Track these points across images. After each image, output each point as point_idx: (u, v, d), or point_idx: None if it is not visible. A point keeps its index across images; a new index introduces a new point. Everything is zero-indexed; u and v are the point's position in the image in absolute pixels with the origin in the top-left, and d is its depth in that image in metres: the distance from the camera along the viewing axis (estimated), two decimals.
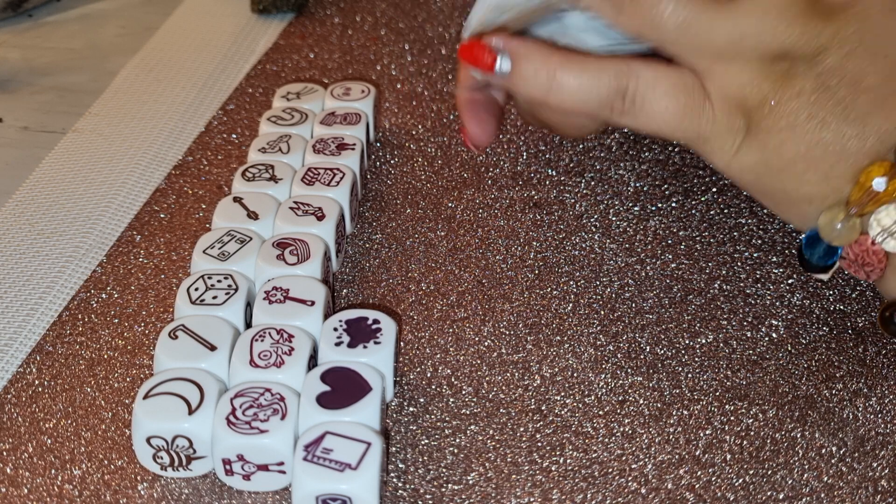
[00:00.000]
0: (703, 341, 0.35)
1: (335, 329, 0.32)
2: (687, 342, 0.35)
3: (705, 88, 0.31)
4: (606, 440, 0.31)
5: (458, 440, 0.31)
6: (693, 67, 0.31)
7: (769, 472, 0.30)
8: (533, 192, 0.42)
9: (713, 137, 0.32)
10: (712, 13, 0.30)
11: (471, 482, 0.30)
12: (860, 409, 0.32)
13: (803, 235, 0.33)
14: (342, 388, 0.30)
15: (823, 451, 0.31)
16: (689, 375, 0.33)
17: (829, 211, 0.31)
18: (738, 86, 0.31)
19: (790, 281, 0.37)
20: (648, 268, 0.38)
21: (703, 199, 0.41)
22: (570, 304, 0.36)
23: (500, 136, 0.46)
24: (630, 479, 0.30)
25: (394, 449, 0.31)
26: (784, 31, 0.30)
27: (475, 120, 0.38)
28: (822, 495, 0.29)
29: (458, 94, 0.39)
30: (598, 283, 0.37)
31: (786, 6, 0.30)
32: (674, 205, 0.41)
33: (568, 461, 0.30)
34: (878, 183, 0.30)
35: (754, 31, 0.30)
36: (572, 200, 0.41)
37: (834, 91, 0.30)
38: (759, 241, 0.39)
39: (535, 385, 0.33)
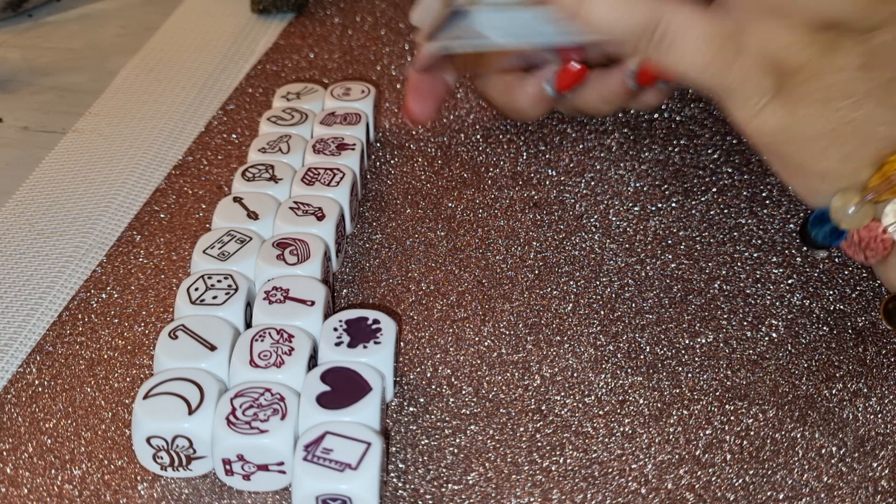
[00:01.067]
0: (703, 341, 0.35)
1: (335, 329, 0.32)
2: (687, 342, 0.35)
3: (743, 40, 0.30)
4: (606, 440, 0.31)
5: (458, 440, 0.31)
6: (739, 15, 0.30)
7: (769, 472, 0.30)
8: (533, 192, 0.42)
9: (738, 92, 0.31)
10: None
11: (471, 482, 0.30)
12: (860, 409, 0.32)
13: (811, 212, 0.32)
14: (342, 388, 0.30)
15: (823, 451, 0.31)
16: (689, 375, 0.33)
17: (844, 193, 0.31)
18: (780, 45, 0.30)
19: (790, 281, 0.37)
20: (648, 268, 0.38)
21: (703, 199, 0.41)
22: (570, 304, 0.36)
23: (500, 137, 0.46)
24: (630, 479, 0.30)
25: (394, 449, 0.31)
26: (847, 4, 0.29)
27: (418, 97, 0.40)
28: (822, 495, 0.29)
29: (409, 74, 0.40)
30: (598, 283, 0.37)
31: None
32: (674, 205, 0.41)
33: (568, 461, 0.30)
34: None
35: None
36: (572, 200, 0.41)
37: (878, 72, 0.29)
38: (759, 241, 0.39)
39: (535, 385, 0.33)
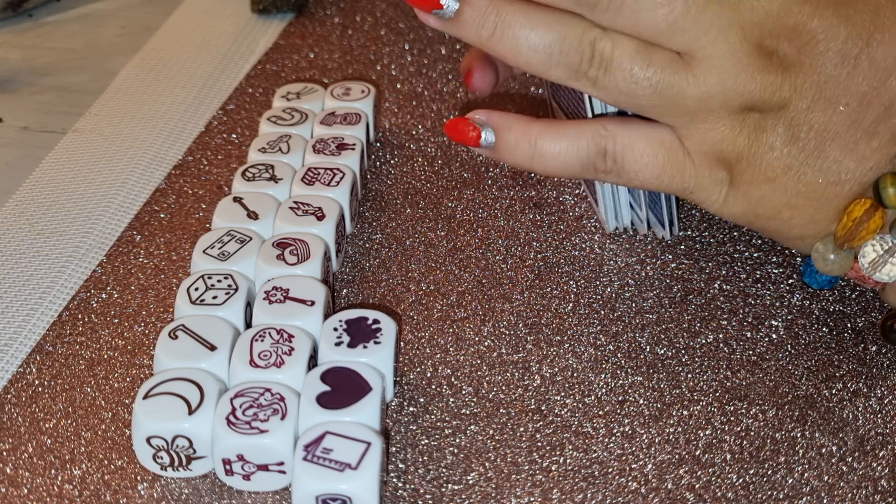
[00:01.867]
0: (703, 341, 0.35)
1: (335, 329, 0.32)
2: (687, 342, 0.35)
3: (684, 145, 0.32)
4: (606, 440, 0.31)
5: (458, 440, 0.31)
6: (670, 125, 0.32)
7: (769, 472, 0.30)
8: (533, 192, 0.42)
9: (698, 190, 0.33)
10: (680, 75, 0.31)
11: (471, 482, 0.30)
12: (860, 408, 0.32)
13: (802, 266, 0.34)
14: (342, 388, 0.30)
15: (824, 450, 0.31)
16: (689, 376, 0.33)
17: (822, 244, 0.32)
18: (714, 142, 0.32)
19: (790, 281, 0.37)
20: (648, 268, 0.38)
21: None
22: (570, 304, 0.36)
23: None
24: (630, 478, 0.30)
25: (394, 449, 0.31)
26: (745, 86, 0.30)
27: (482, 70, 0.40)
28: (823, 494, 0.29)
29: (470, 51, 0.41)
30: (598, 283, 0.37)
31: (742, 64, 0.30)
32: None
33: (568, 461, 0.30)
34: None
35: (718, 90, 0.30)
36: (572, 201, 0.41)
37: (805, 142, 0.31)
38: (759, 241, 0.39)
39: (535, 385, 0.33)
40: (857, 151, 0.31)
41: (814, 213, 0.32)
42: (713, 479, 0.30)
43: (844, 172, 0.31)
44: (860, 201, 0.31)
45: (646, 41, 0.31)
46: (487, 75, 0.40)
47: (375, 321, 0.32)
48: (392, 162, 0.44)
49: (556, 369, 0.34)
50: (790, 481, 0.30)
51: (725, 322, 0.35)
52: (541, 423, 0.32)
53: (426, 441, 0.31)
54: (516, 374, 0.33)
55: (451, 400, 0.33)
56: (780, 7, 0.30)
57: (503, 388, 0.33)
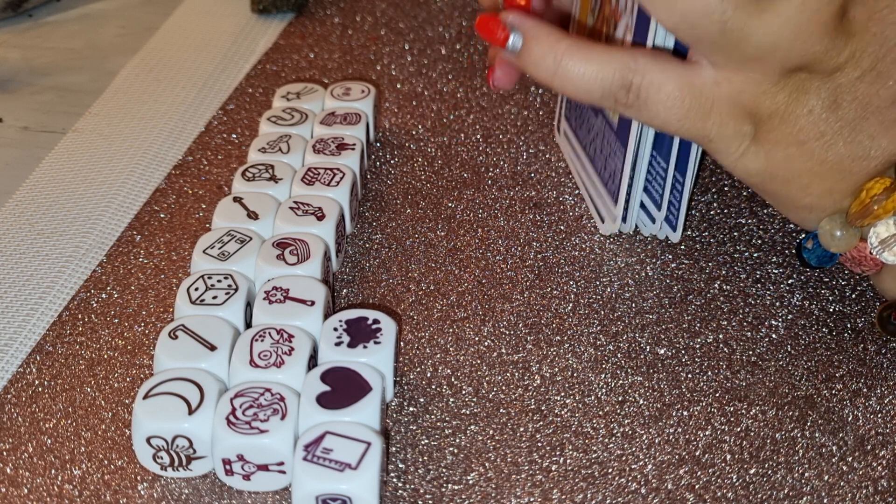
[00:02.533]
0: (703, 341, 0.35)
1: (335, 329, 0.32)
2: (687, 342, 0.35)
3: (718, 90, 0.31)
4: (606, 440, 0.31)
5: (458, 440, 0.31)
6: (713, 67, 0.31)
7: (769, 472, 0.30)
8: (533, 192, 0.42)
9: (718, 139, 0.31)
10: (753, 19, 0.29)
11: (471, 482, 0.30)
12: (860, 408, 0.32)
13: (803, 237, 0.33)
14: (342, 388, 0.30)
15: (824, 450, 0.31)
16: (689, 376, 0.33)
17: (829, 220, 0.32)
18: (753, 94, 0.30)
19: (790, 281, 0.37)
20: (648, 268, 0.38)
21: (703, 199, 0.41)
22: (570, 304, 0.36)
23: (500, 137, 0.46)
24: (630, 479, 0.30)
25: (394, 449, 0.31)
26: (811, 47, 0.29)
27: (503, 65, 0.38)
28: (823, 494, 0.29)
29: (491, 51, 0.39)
30: (598, 283, 0.37)
31: (818, 21, 0.29)
32: None
33: (568, 461, 0.30)
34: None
35: (785, 45, 0.29)
36: (572, 201, 0.41)
37: (844, 111, 0.30)
38: (759, 241, 0.39)
39: (535, 385, 0.33)
40: (892, 130, 0.30)
41: (833, 184, 0.31)
42: (713, 479, 0.30)
43: (875, 149, 0.31)
44: (880, 179, 0.31)
45: None
46: (510, 72, 0.38)
47: (375, 321, 0.32)
48: (392, 162, 0.44)
49: (556, 369, 0.34)
50: (790, 480, 0.30)
51: (725, 322, 0.35)
52: (541, 423, 0.32)
53: (426, 441, 0.31)
54: (516, 374, 0.33)
55: (451, 400, 0.33)
56: None
57: (503, 388, 0.33)
